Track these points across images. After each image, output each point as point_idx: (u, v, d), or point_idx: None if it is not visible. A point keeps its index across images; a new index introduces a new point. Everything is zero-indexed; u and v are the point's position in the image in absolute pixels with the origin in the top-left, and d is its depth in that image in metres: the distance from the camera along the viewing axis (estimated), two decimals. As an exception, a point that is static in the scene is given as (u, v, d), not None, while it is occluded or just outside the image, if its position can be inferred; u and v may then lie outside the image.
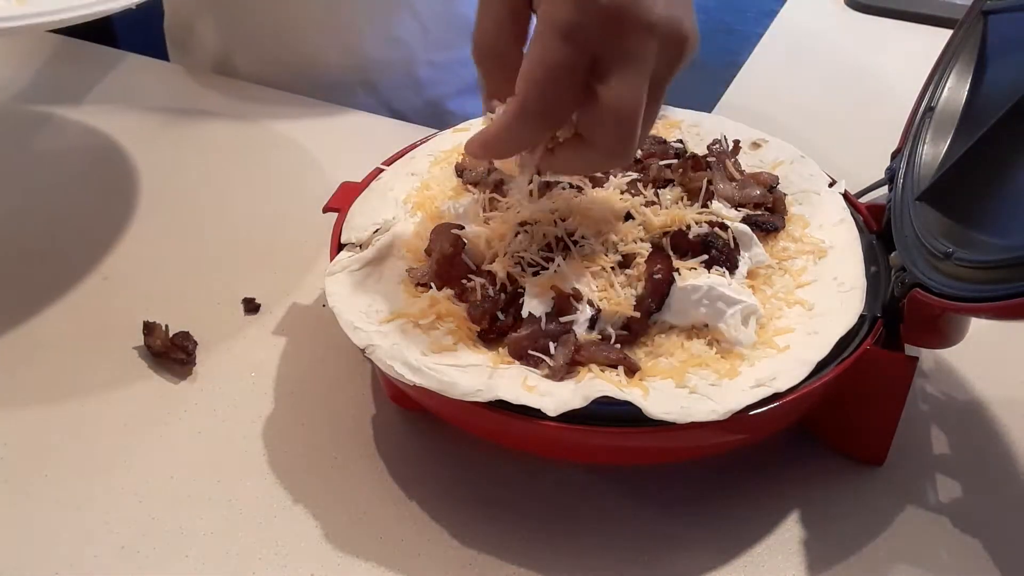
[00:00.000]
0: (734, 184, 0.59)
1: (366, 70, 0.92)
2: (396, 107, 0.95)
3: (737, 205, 0.58)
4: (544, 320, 0.50)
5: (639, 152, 0.63)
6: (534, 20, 0.46)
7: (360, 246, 0.57)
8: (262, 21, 0.93)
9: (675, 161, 0.60)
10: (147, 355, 0.62)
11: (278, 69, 0.94)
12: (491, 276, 0.53)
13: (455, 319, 0.51)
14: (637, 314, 0.50)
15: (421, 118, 0.93)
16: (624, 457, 0.53)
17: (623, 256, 0.54)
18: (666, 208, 0.56)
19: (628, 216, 0.56)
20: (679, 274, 0.51)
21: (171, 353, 0.61)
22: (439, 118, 0.94)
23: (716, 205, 0.57)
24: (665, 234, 0.54)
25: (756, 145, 0.66)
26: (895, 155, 0.58)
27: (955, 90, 0.56)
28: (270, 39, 0.93)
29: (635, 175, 0.59)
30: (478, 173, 0.61)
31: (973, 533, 0.51)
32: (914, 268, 0.49)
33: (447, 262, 0.54)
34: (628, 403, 0.46)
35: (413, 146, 0.67)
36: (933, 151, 0.55)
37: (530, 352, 0.49)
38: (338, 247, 0.58)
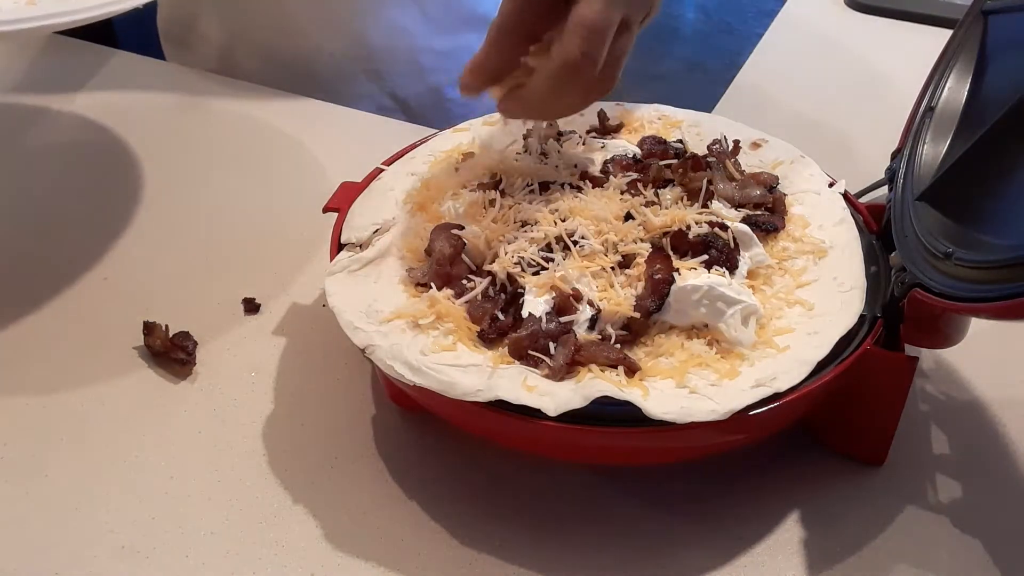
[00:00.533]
0: (734, 184, 0.59)
1: (369, 58, 0.92)
2: (399, 94, 0.95)
3: (737, 205, 0.58)
4: (544, 320, 0.50)
5: (639, 151, 0.63)
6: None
7: (360, 246, 0.57)
8: (265, 12, 0.93)
9: (675, 161, 0.60)
10: (147, 355, 0.62)
11: (281, 60, 0.94)
12: (491, 276, 0.53)
13: (455, 319, 0.51)
14: (637, 314, 0.50)
15: (423, 105, 0.94)
16: (624, 457, 0.53)
17: (623, 256, 0.54)
18: (666, 208, 0.56)
19: (628, 216, 0.56)
20: (679, 274, 0.51)
21: (171, 353, 0.61)
22: (440, 105, 0.95)
23: (716, 205, 0.57)
24: (665, 234, 0.54)
25: (756, 145, 0.66)
26: (895, 155, 0.58)
27: (955, 90, 0.56)
28: (273, 30, 0.94)
29: (635, 175, 0.59)
30: (475, 174, 0.61)
31: (973, 533, 0.51)
32: (914, 268, 0.49)
33: (447, 262, 0.54)
34: (628, 403, 0.46)
35: (413, 146, 0.67)
36: (933, 151, 0.55)
37: (530, 352, 0.49)
38: (338, 247, 0.58)
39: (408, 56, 0.93)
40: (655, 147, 0.64)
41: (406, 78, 0.94)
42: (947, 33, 0.58)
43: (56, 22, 0.60)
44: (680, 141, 0.65)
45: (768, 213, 0.58)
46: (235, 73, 0.96)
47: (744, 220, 0.56)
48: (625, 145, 0.65)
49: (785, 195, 0.60)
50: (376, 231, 0.58)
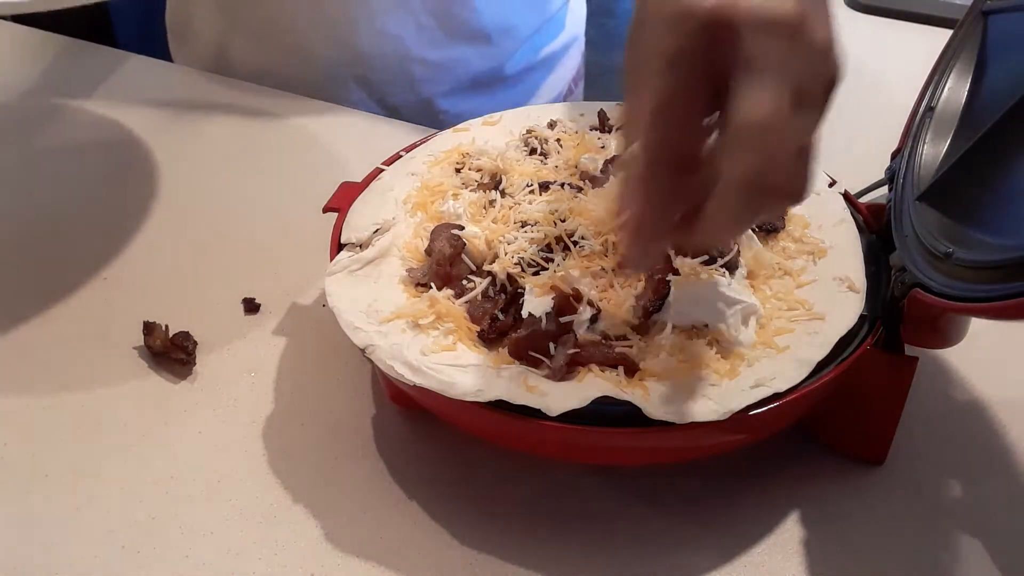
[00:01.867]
0: None
1: (359, 64, 0.92)
2: (389, 102, 0.95)
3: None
4: (544, 320, 0.50)
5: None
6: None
7: (360, 246, 0.57)
8: (258, 11, 0.93)
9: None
10: (147, 355, 0.62)
11: (274, 60, 0.94)
12: (491, 276, 0.53)
13: (455, 319, 0.51)
14: (636, 321, 0.50)
15: (414, 114, 0.93)
16: (624, 457, 0.53)
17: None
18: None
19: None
20: (679, 274, 0.51)
21: (171, 353, 0.61)
22: (432, 116, 0.94)
23: None
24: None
25: (756, 145, 0.66)
26: (895, 155, 0.58)
27: (955, 90, 0.56)
28: (265, 30, 0.93)
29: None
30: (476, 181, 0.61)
31: (973, 533, 0.51)
32: (914, 268, 0.49)
33: (447, 262, 0.54)
34: (628, 403, 0.46)
35: (413, 146, 0.67)
36: (933, 151, 0.55)
37: (530, 352, 0.49)
38: (338, 247, 0.58)
39: (399, 65, 0.93)
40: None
41: (396, 87, 0.94)
42: (947, 33, 0.58)
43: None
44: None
45: (768, 213, 0.58)
46: (230, 71, 0.96)
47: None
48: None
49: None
50: (376, 231, 0.58)
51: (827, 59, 0.38)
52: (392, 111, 0.94)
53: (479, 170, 0.62)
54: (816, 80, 0.38)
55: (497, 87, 0.97)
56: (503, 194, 0.58)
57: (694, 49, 0.37)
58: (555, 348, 0.49)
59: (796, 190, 0.39)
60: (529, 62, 0.98)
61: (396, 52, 0.92)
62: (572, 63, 1.05)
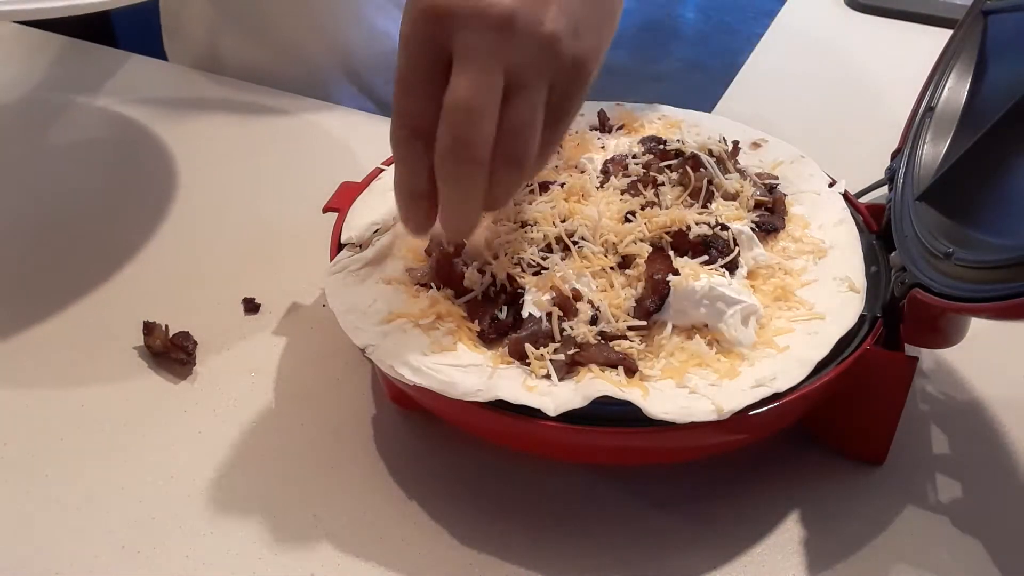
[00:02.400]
0: (743, 181, 0.59)
1: (349, 60, 0.92)
2: (380, 98, 0.95)
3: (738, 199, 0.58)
4: (544, 320, 0.50)
5: (639, 149, 0.63)
6: None
7: (360, 246, 0.57)
8: (247, 7, 0.93)
9: (675, 161, 0.60)
10: (147, 355, 0.62)
11: (264, 56, 0.94)
12: (491, 276, 0.53)
13: (455, 319, 0.51)
14: (635, 322, 0.50)
15: None
16: (624, 457, 0.53)
17: (623, 256, 0.54)
18: (666, 208, 0.56)
19: (628, 216, 0.56)
20: (679, 274, 0.51)
21: (171, 353, 0.61)
22: None
23: (722, 205, 0.57)
24: (665, 234, 0.54)
25: (756, 145, 0.66)
26: (895, 155, 0.58)
27: (955, 90, 0.56)
28: (255, 26, 0.93)
29: (635, 175, 0.59)
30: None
31: (973, 533, 0.51)
32: (914, 268, 0.49)
33: (447, 262, 0.54)
34: (628, 403, 0.46)
35: (413, 146, 0.67)
36: (933, 151, 0.55)
37: (529, 352, 0.49)
38: (338, 247, 0.58)
39: (389, 61, 0.92)
40: (655, 147, 0.64)
41: (388, 83, 0.94)
42: (947, 33, 0.58)
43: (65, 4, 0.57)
44: (679, 141, 0.65)
45: (768, 213, 0.59)
46: (222, 68, 0.95)
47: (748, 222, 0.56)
48: (626, 144, 0.65)
49: (785, 195, 0.60)
50: (376, 231, 0.58)
51: (544, 50, 0.43)
52: (384, 106, 0.94)
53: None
54: (530, 68, 0.43)
55: None
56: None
57: (419, 35, 0.44)
58: (555, 348, 0.49)
59: (516, 162, 0.44)
60: None
61: (385, 47, 0.92)
62: None
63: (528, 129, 0.44)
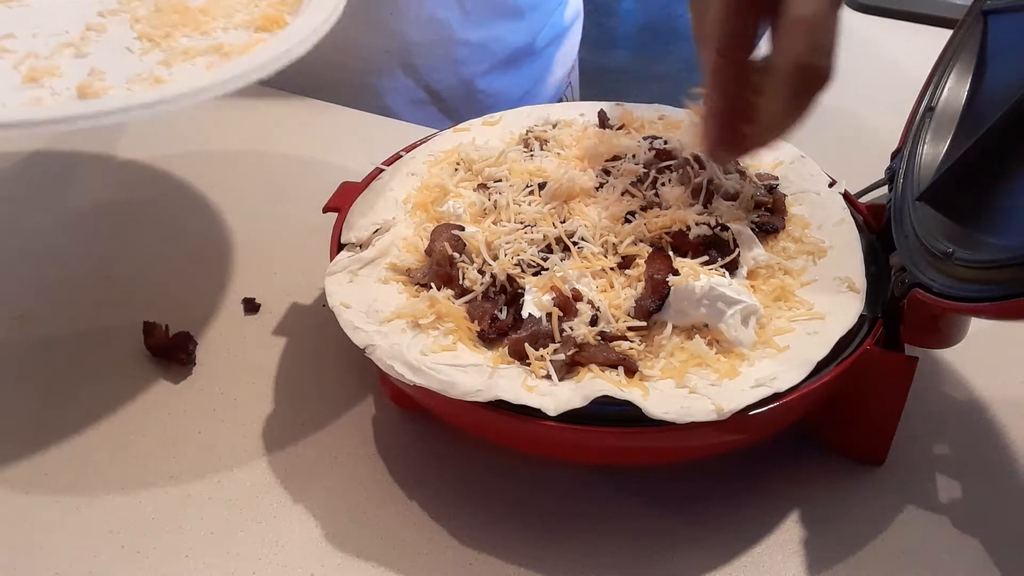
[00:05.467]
0: (743, 181, 0.59)
1: (406, 52, 0.94)
2: (433, 87, 0.96)
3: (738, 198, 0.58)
4: (544, 320, 0.50)
5: (646, 146, 0.63)
6: None
7: (360, 246, 0.57)
8: None
9: (675, 161, 0.60)
10: (147, 355, 0.62)
11: (316, 53, 0.94)
12: (491, 276, 0.53)
13: (455, 319, 0.51)
14: (635, 322, 0.50)
15: (455, 97, 0.95)
16: (624, 457, 0.53)
17: (623, 257, 0.54)
18: (667, 208, 0.56)
19: (628, 217, 0.56)
20: (679, 274, 0.51)
21: (171, 353, 0.61)
22: (471, 96, 0.96)
23: (722, 205, 0.57)
24: (665, 234, 0.54)
25: (756, 145, 0.66)
26: (895, 155, 0.58)
27: (955, 90, 0.56)
28: None
29: (635, 176, 0.59)
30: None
31: (973, 533, 0.51)
32: (914, 268, 0.49)
33: (447, 262, 0.54)
34: (628, 403, 0.46)
35: (413, 146, 0.67)
36: (933, 151, 0.55)
37: (530, 352, 0.49)
38: (338, 247, 0.58)
39: (444, 49, 0.94)
40: (655, 147, 0.63)
41: (441, 72, 0.96)
42: (947, 33, 0.58)
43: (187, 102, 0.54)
44: (680, 141, 0.65)
45: (768, 213, 0.59)
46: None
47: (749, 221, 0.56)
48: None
49: (785, 195, 0.60)
50: (376, 231, 0.58)
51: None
52: (434, 95, 0.95)
53: (477, 172, 0.62)
54: None
55: (524, 62, 1.00)
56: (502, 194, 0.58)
57: None
58: (555, 348, 0.49)
59: (831, 74, 0.47)
60: (552, 34, 1.01)
61: (441, 35, 0.93)
62: (576, 37, 1.09)
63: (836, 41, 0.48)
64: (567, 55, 1.06)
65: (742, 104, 0.49)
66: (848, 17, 1.22)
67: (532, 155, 0.63)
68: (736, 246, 0.54)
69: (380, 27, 0.92)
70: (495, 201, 0.58)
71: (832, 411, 0.52)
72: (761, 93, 0.48)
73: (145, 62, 0.59)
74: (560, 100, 1.07)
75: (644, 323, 0.50)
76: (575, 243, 0.54)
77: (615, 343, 0.50)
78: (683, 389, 0.47)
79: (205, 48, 0.60)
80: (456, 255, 0.54)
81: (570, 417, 0.46)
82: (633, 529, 0.51)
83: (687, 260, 0.53)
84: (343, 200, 0.61)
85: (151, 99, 0.53)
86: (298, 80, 0.92)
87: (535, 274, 0.53)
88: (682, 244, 0.54)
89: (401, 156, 0.66)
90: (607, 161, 0.62)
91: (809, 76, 0.46)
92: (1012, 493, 0.54)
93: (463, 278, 0.53)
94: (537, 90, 1.02)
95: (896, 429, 0.53)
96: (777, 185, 0.61)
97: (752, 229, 0.56)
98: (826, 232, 0.57)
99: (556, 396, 0.46)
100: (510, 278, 0.53)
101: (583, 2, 1.09)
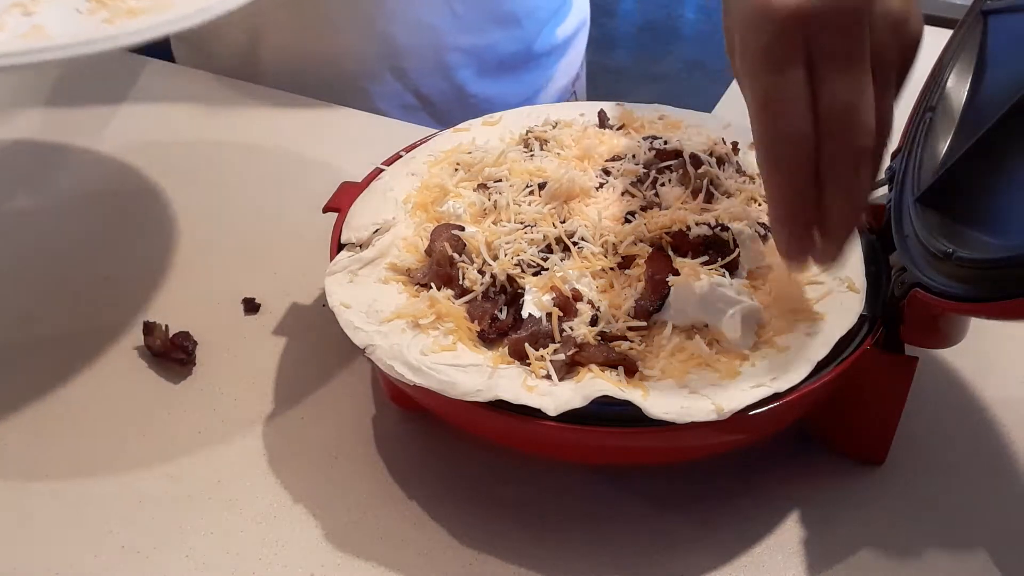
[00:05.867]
0: (743, 179, 0.59)
1: (395, 56, 0.93)
2: (423, 92, 0.96)
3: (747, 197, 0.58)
4: (544, 320, 0.50)
5: (646, 146, 0.63)
6: None
7: (360, 246, 0.57)
8: (291, 10, 0.93)
9: (675, 161, 0.60)
10: (147, 355, 0.62)
11: (305, 60, 0.94)
12: (491, 276, 0.53)
13: (455, 319, 0.51)
14: (635, 322, 0.50)
15: (447, 102, 0.95)
16: (624, 457, 0.53)
17: (623, 257, 0.54)
18: (667, 208, 0.56)
19: (628, 217, 0.56)
20: (679, 274, 0.51)
21: (171, 353, 0.61)
22: (464, 102, 0.95)
23: (728, 202, 0.56)
24: (665, 234, 0.54)
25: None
26: (895, 155, 0.58)
27: (955, 90, 0.56)
28: (299, 30, 0.94)
29: (635, 176, 0.59)
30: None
31: (973, 533, 0.51)
32: (914, 268, 0.49)
33: (447, 262, 0.54)
34: (628, 403, 0.46)
35: (413, 146, 0.67)
36: (933, 151, 0.55)
37: (529, 352, 0.49)
38: (338, 247, 0.58)
39: (435, 55, 0.94)
40: (655, 147, 0.63)
41: (431, 76, 0.95)
42: (947, 33, 0.58)
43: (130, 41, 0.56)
44: (679, 141, 0.65)
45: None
46: (255, 75, 0.95)
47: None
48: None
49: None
50: (376, 231, 0.58)
51: (902, 29, 0.43)
52: (425, 100, 0.95)
53: (476, 172, 0.62)
54: (892, 48, 0.42)
55: (522, 69, 0.99)
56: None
57: (784, 47, 0.41)
58: (555, 348, 0.49)
59: (882, 137, 0.44)
60: (551, 43, 1.00)
61: (432, 41, 0.93)
62: (581, 45, 1.08)
63: (889, 111, 0.44)
64: (571, 64, 1.05)
65: (804, 195, 0.43)
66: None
67: (532, 155, 0.63)
68: (736, 246, 0.54)
69: (369, 30, 0.92)
70: (495, 201, 0.58)
71: (832, 411, 0.52)
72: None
73: (91, 20, 0.59)
74: None
75: (644, 323, 0.50)
76: (575, 243, 0.54)
77: (615, 343, 0.50)
78: (683, 389, 0.47)
79: (150, 6, 0.60)
80: (456, 255, 0.54)
81: (570, 417, 0.46)
82: (633, 529, 0.51)
83: (687, 260, 0.53)
84: (343, 200, 0.61)
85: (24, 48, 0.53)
86: (291, 81, 0.92)
87: (535, 274, 0.53)
88: (682, 244, 0.54)
89: (401, 156, 0.66)
90: (607, 161, 0.62)
91: (860, 156, 0.42)
92: (1012, 493, 0.54)
93: (463, 278, 0.53)
94: (538, 99, 1.01)
95: (896, 429, 0.53)
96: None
97: (753, 229, 0.56)
98: (826, 232, 0.57)
99: (556, 396, 0.46)
100: (510, 278, 0.53)
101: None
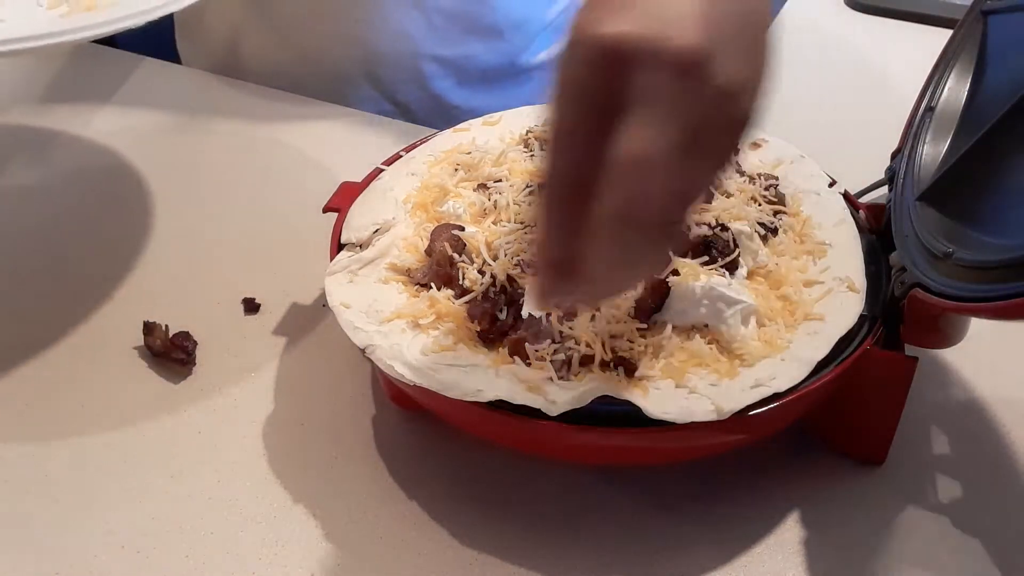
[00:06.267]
0: (743, 179, 0.59)
1: (370, 63, 0.92)
2: (400, 100, 0.95)
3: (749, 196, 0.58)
4: (544, 320, 0.50)
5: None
6: None
7: (360, 246, 0.57)
8: (270, 10, 0.93)
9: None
10: (147, 355, 0.62)
11: (284, 59, 0.94)
12: (491, 276, 0.53)
13: (455, 319, 0.51)
14: (637, 322, 0.50)
15: (425, 110, 0.94)
16: (624, 457, 0.53)
17: (623, 256, 0.54)
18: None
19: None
20: (679, 274, 0.51)
21: (171, 353, 0.61)
22: (443, 111, 0.94)
23: (727, 202, 0.56)
24: (665, 234, 0.54)
25: (756, 145, 0.66)
26: (895, 155, 0.58)
27: (955, 90, 0.56)
28: (276, 29, 0.94)
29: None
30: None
31: (973, 533, 0.51)
32: (914, 268, 0.49)
33: (447, 262, 0.54)
34: (628, 403, 0.46)
35: (413, 146, 0.67)
36: (933, 151, 0.55)
37: (529, 352, 0.49)
38: (338, 247, 0.58)
39: (411, 63, 0.93)
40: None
41: (408, 84, 0.94)
42: (947, 33, 0.58)
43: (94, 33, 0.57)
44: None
45: (769, 213, 0.58)
46: (239, 70, 0.95)
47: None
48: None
49: (785, 195, 0.60)
50: (376, 231, 0.58)
51: (731, 103, 0.35)
52: (402, 107, 0.94)
53: (477, 172, 0.62)
54: (715, 124, 0.35)
55: (508, 82, 0.97)
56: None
57: (590, 79, 0.35)
58: (555, 348, 0.49)
59: (670, 234, 0.37)
60: (544, 55, 0.99)
61: (408, 49, 0.92)
62: None
63: (698, 197, 0.37)
64: None
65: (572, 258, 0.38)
66: (848, 17, 1.22)
67: (532, 155, 0.63)
68: (736, 246, 0.54)
69: (346, 35, 0.91)
70: (495, 201, 0.58)
71: (832, 411, 0.52)
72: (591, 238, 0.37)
73: (49, 15, 0.59)
74: None
75: (644, 323, 0.50)
76: (575, 243, 0.54)
77: (615, 343, 0.50)
78: (683, 389, 0.47)
79: (108, 2, 0.60)
80: (456, 255, 0.54)
81: (570, 417, 0.46)
82: (633, 529, 0.51)
83: (687, 260, 0.53)
84: (343, 200, 0.61)
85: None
86: (270, 83, 0.92)
87: (535, 274, 0.53)
88: (682, 244, 0.54)
89: (401, 156, 0.66)
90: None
91: (631, 229, 0.36)
92: (1012, 493, 0.54)
93: (463, 278, 0.53)
94: None
95: (896, 429, 0.53)
96: (777, 185, 0.61)
97: (753, 229, 0.56)
98: (826, 232, 0.57)
99: (556, 396, 0.46)
100: (510, 278, 0.53)
101: None
